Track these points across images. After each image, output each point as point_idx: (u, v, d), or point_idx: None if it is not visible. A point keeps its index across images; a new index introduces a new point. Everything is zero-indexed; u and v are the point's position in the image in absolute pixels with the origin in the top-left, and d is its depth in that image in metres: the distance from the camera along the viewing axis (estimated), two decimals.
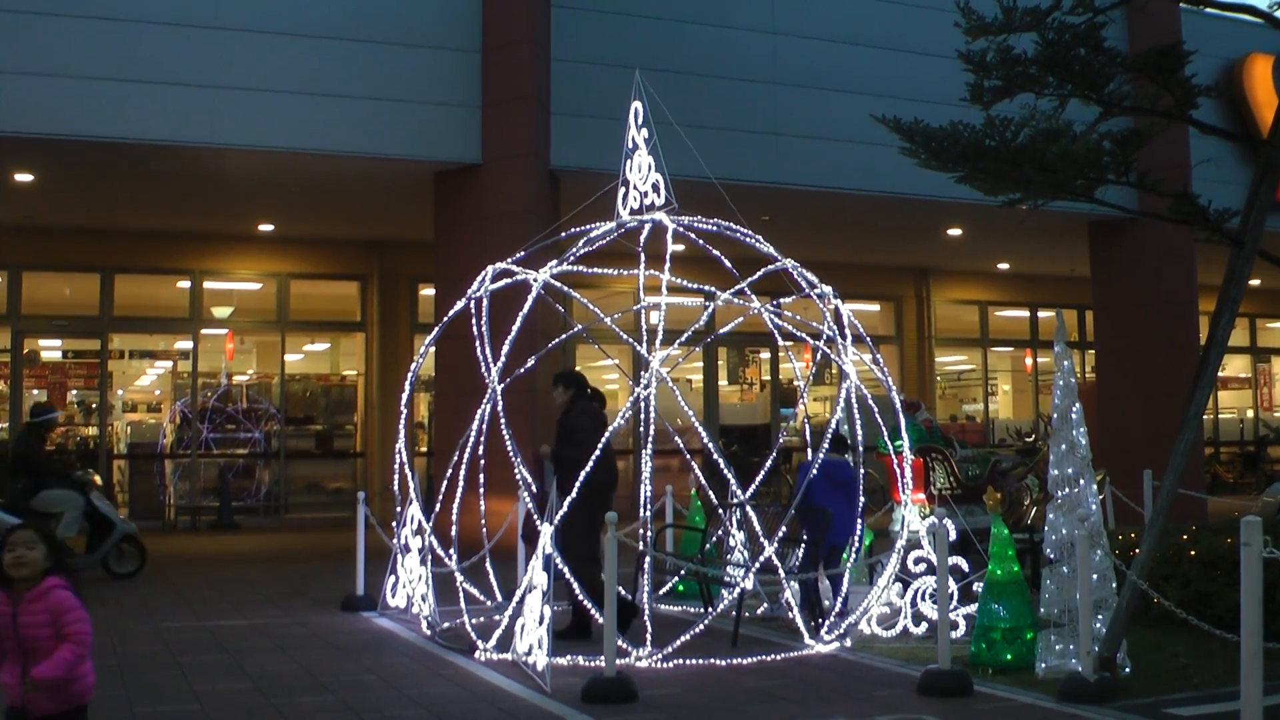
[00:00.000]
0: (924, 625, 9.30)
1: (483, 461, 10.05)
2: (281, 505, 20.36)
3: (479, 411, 9.90)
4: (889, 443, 10.14)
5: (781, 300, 10.54)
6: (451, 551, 9.80)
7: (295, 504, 20.47)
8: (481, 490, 10.36)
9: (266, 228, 19.38)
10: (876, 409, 10.25)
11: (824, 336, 10.10)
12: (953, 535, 9.45)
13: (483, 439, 9.99)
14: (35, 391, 20.29)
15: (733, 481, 10.15)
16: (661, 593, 11.25)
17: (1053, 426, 8.11)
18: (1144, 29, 17.14)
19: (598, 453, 9.07)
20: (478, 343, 9.95)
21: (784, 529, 10.35)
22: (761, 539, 9.68)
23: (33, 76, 13.57)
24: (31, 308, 19.24)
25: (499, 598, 10.48)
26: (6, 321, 19.04)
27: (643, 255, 9.82)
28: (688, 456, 11.99)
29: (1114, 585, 7.74)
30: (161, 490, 20.10)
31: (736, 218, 9.87)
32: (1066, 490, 7.89)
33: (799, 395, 12.56)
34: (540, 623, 7.87)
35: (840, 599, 9.88)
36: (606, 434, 9.35)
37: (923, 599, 9.36)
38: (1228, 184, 14.54)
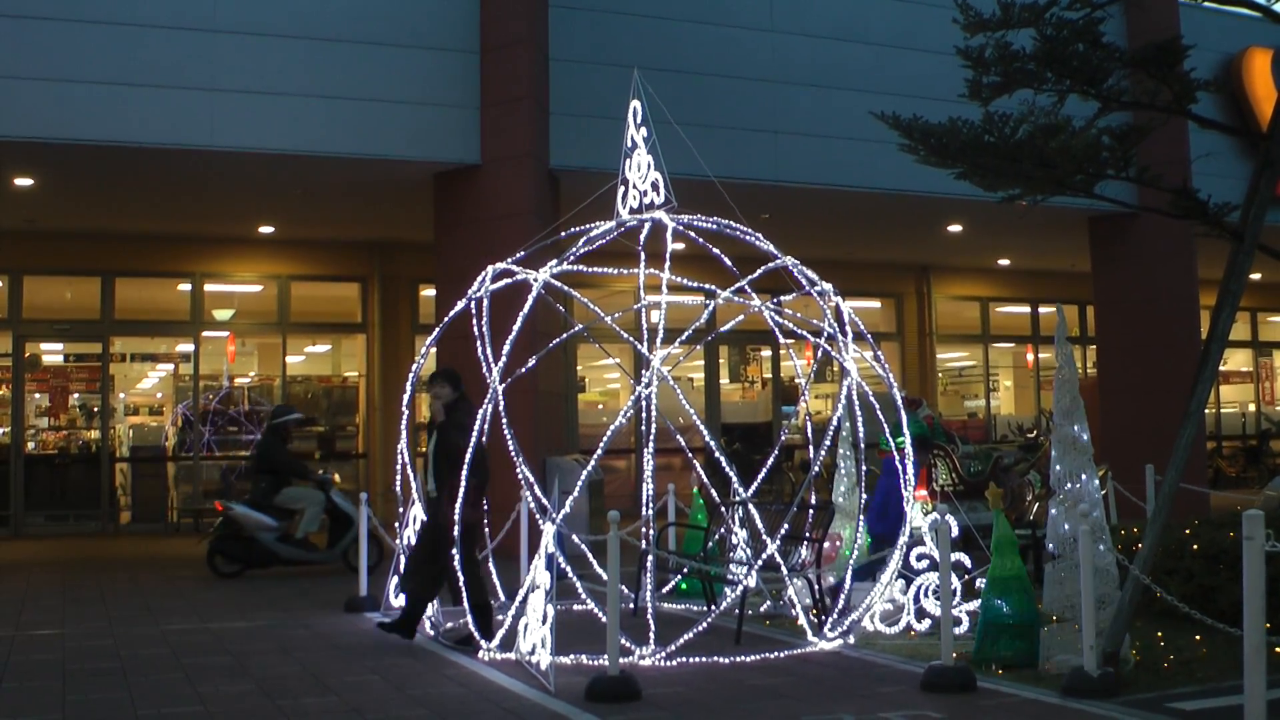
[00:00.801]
0: (927, 621, 9.30)
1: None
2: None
3: (480, 411, 9.90)
4: (890, 439, 10.14)
5: (782, 298, 10.54)
6: (454, 551, 9.78)
7: None
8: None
9: (267, 230, 19.39)
10: (878, 406, 10.25)
11: (825, 334, 10.10)
12: (955, 531, 9.46)
13: (484, 439, 9.99)
14: (37, 395, 20.34)
15: (735, 479, 10.15)
16: (664, 591, 11.26)
17: (1054, 422, 8.11)
18: (1142, 23, 17.13)
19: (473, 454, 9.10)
20: (479, 343, 9.96)
21: (786, 526, 10.35)
22: (764, 536, 9.70)
23: (32, 81, 13.57)
24: (33, 311, 19.24)
25: (502, 597, 10.48)
26: (8, 325, 19.05)
27: (643, 254, 9.83)
28: (689, 455, 11.98)
29: (1117, 580, 7.74)
30: (164, 493, 20.10)
31: (736, 216, 9.87)
32: (1069, 486, 7.89)
33: (800, 393, 12.54)
34: (543, 622, 7.87)
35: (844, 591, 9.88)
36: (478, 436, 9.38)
37: (926, 595, 9.36)
38: (1227, 178, 14.55)
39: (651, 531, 9.68)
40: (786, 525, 10.46)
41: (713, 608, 9.86)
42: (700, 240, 9.94)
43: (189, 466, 19.86)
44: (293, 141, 14.69)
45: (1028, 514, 12.48)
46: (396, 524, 10.48)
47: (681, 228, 9.68)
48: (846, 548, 10.25)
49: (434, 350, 11.17)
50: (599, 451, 9.64)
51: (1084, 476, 7.87)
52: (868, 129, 10.46)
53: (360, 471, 20.74)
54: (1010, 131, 8.14)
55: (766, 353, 23.90)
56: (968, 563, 9.44)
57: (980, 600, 8.33)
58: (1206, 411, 13.54)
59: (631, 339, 10.15)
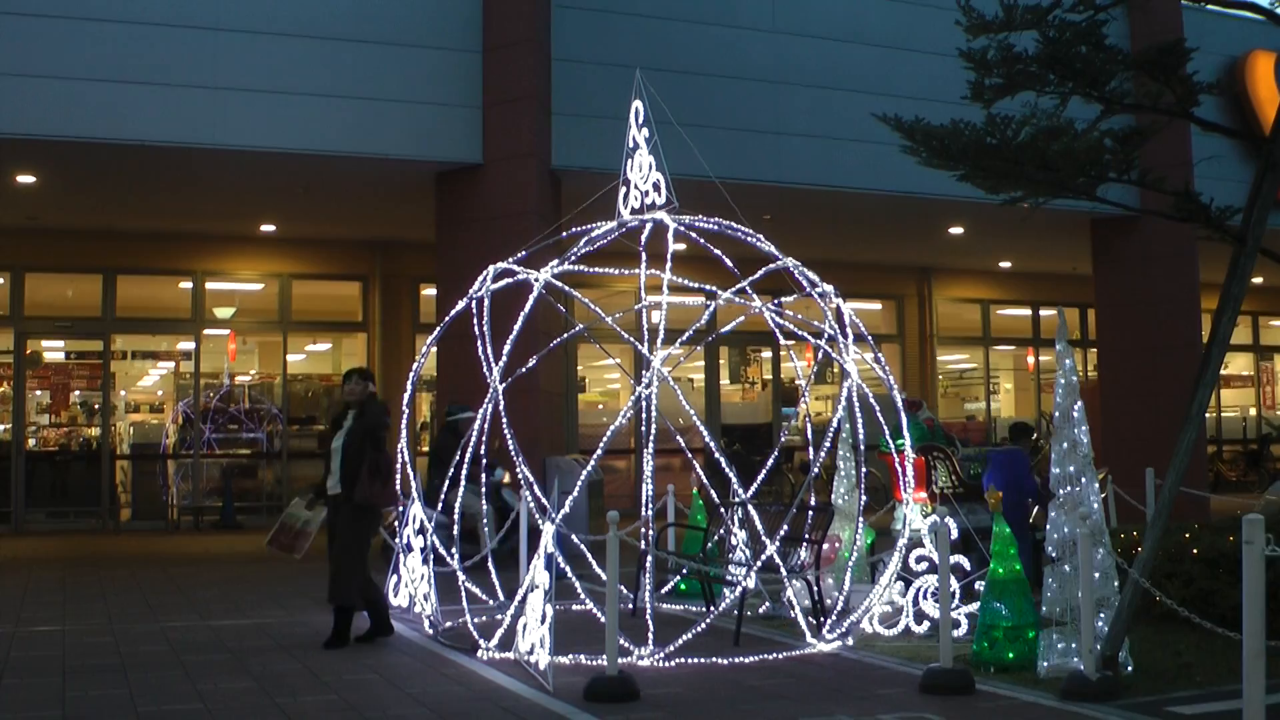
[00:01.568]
0: (926, 624, 9.30)
1: (484, 461, 10.05)
2: (284, 505, 20.30)
3: (481, 411, 9.91)
4: (890, 441, 10.14)
5: (783, 299, 10.54)
6: (453, 551, 9.80)
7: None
8: (484, 489, 10.36)
9: (268, 228, 19.40)
10: (878, 408, 10.25)
11: (825, 335, 10.10)
12: (954, 534, 9.46)
13: (484, 438, 10.00)
14: (38, 392, 20.35)
15: (734, 480, 10.15)
16: (664, 592, 11.26)
17: (1054, 425, 8.11)
18: (1145, 26, 17.13)
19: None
20: (479, 342, 9.96)
21: (785, 527, 10.35)
22: (763, 538, 9.70)
23: (34, 78, 13.58)
24: (34, 309, 19.27)
25: (501, 597, 10.48)
26: (9, 323, 19.07)
27: (644, 254, 9.83)
28: (689, 455, 11.98)
29: (1116, 584, 7.73)
30: (164, 490, 20.12)
31: (737, 216, 9.87)
32: (1068, 489, 7.89)
33: (801, 394, 12.55)
34: (542, 622, 7.87)
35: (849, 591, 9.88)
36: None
37: (925, 597, 9.36)
38: (1230, 181, 14.53)
39: (651, 532, 9.68)
40: (786, 527, 10.46)
41: (711, 609, 9.86)
42: (701, 241, 9.94)
43: (189, 464, 19.86)
44: (295, 140, 14.69)
45: (1027, 517, 12.47)
46: (396, 522, 10.49)
47: (683, 228, 9.69)
48: (846, 550, 10.25)
49: (435, 349, 11.18)
50: (599, 452, 9.64)
51: (1084, 480, 7.87)
52: (870, 130, 10.47)
53: None
54: (1012, 134, 8.15)
55: (767, 354, 23.91)
56: (967, 565, 9.44)
57: (979, 603, 8.33)
58: (1207, 415, 13.55)
59: (632, 339, 10.16)
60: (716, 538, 11.15)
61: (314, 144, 14.79)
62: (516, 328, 9.60)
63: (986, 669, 7.94)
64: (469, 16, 15.51)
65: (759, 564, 9.51)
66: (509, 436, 9.54)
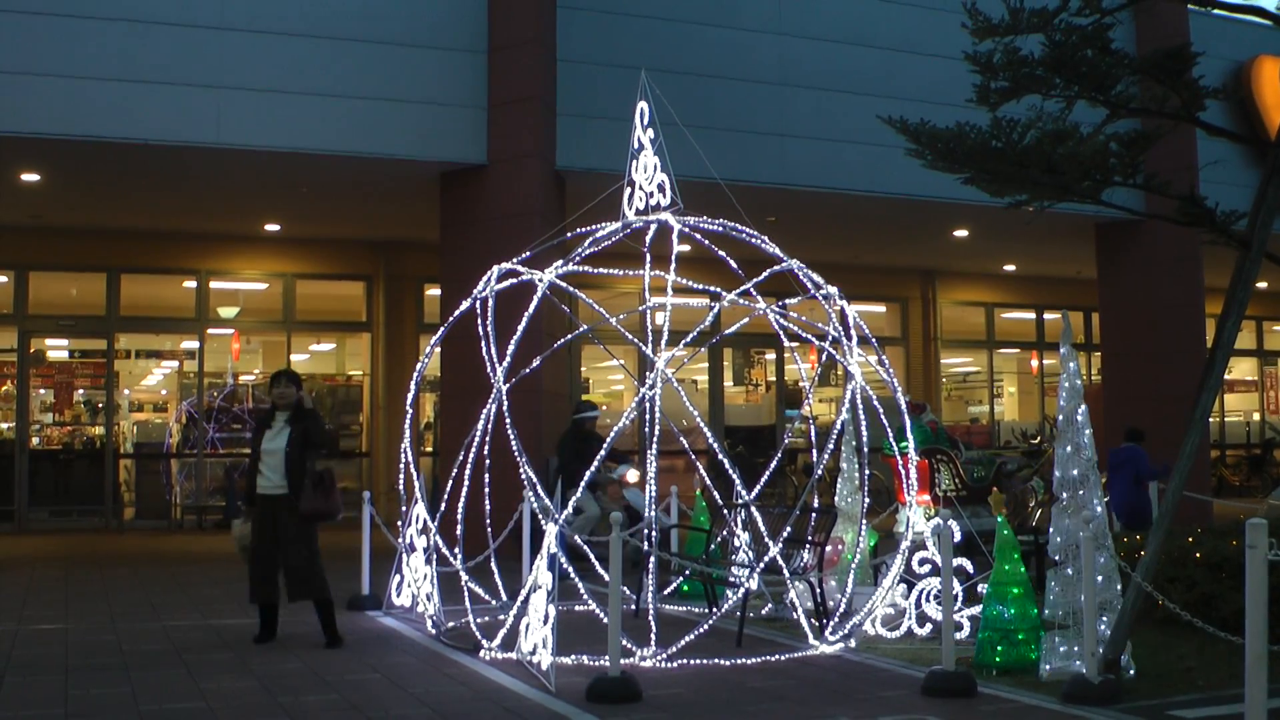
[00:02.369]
0: (928, 626, 9.30)
1: (488, 461, 10.06)
2: None
3: (484, 411, 9.92)
4: (894, 444, 10.14)
5: (787, 301, 10.54)
6: (456, 551, 9.80)
7: None
8: (486, 490, 10.36)
9: (272, 228, 19.41)
10: (882, 410, 10.25)
11: (829, 337, 10.11)
12: (957, 537, 9.47)
13: (488, 439, 10.00)
14: (41, 391, 20.36)
15: (738, 482, 10.15)
16: (666, 593, 11.27)
17: (1058, 429, 8.11)
18: (1151, 30, 17.14)
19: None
20: (483, 343, 9.97)
21: (789, 529, 10.35)
22: (766, 539, 9.70)
23: (38, 77, 13.60)
24: (38, 307, 19.29)
25: (504, 597, 10.48)
26: (13, 321, 19.10)
27: (648, 256, 9.83)
28: (693, 457, 11.98)
29: (1119, 587, 7.73)
30: (168, 489, 20.13)
31: (742, 218, 9.87)
32: (1071, 492, 7.88)
33: (804, 396, 12.54)
34: (545, 622, 7.87)
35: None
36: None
37: (927, 600, 9.36)
38: (1235, 186, 14.54)
39: (654, 533, 9.68)
40: (789, 528, 10.45)
41: (714, 610, 9.86)
42: (706, 242, 9.94)
43: (193, 463, 19.88)
44: (299, 140, 14.70)
45: (1030, 520, 12.49)
46: (399, 522, 10.49)
47: (687, 230, 9.69)
48: (848, 552, 10.25)
49: (439, 350, 11.18)
50: (602, 452, 9.64)
51: (1088, 483, 7.86)
52: (875, 133, 10.46)
53: (364, 470, 20.76)
54: (1018, 137, 8.15)
55: (771, 356, 23.89)
56: (970, 568, 9.44)
57: (982, 606, 8.33)
58: (1211, 420, 13.51)
59: (636, 340, 10.15)
60: (719, 539, 11.15)
61: (318, 144, 14.80)
62: (520, 328, 9.60)
63: (988, 672, 7.94)
64: (474, 17, 15.52)
65: (762, 566, 9.51)
66: (513, 437, 9.53)
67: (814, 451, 11.03)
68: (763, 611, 10.51)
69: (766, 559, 9.49)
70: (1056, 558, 7.86)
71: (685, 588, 11.51)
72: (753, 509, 10.24)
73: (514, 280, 10.06)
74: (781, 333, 10.71)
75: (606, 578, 8.52)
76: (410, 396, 10.46)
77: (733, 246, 10.16)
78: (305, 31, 14.70)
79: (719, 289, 10.13)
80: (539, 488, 9.69)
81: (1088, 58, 8.15)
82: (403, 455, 10.27)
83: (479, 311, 10.04)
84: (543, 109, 15.33)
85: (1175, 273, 19.49)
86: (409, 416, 10.40)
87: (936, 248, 22.26)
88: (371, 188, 16.93)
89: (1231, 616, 7.74)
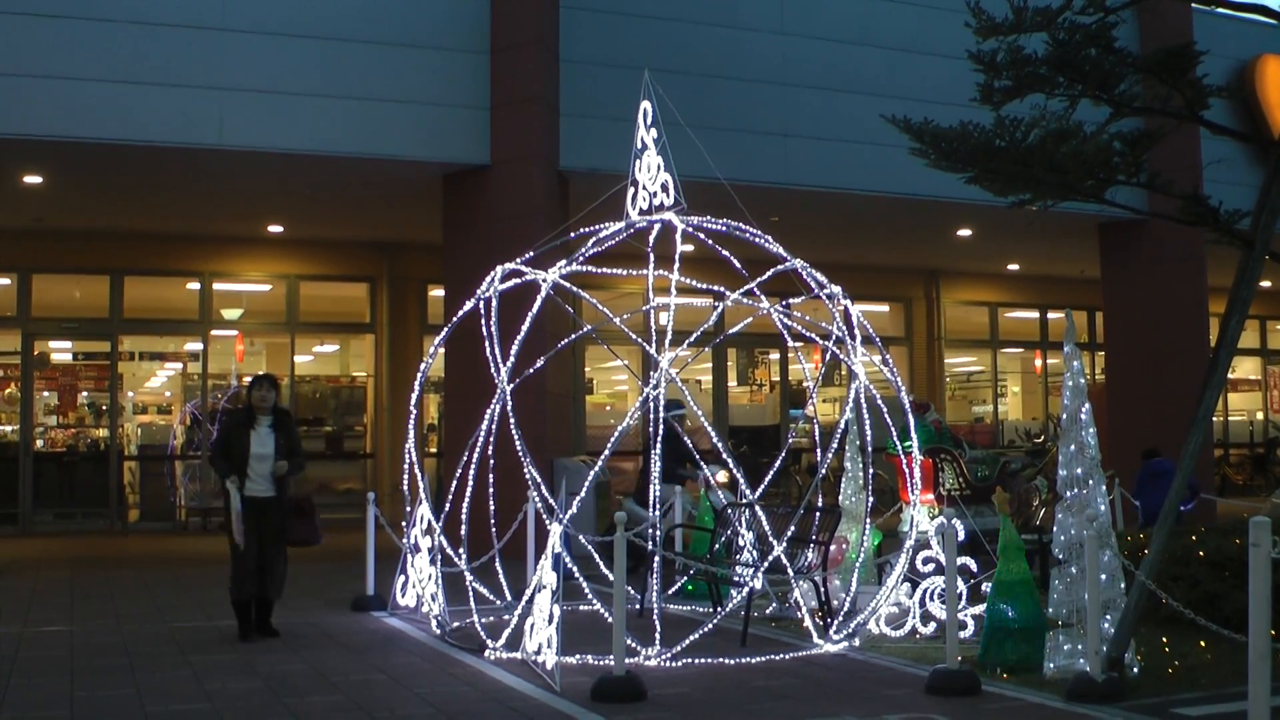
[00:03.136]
0: (932, 625, 9.30)
1: (492, 462, 10.07)
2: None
3: (488, 412, 9.92)
4: (898, 443, 10.14)
5: (791, 301, 10.55)
6: (461, 551, 9.81)
7: None
8: (491, 490, 10.37)
9: (276, 229, 19.42)
10: (886, 410, 10.25)
11: (833, 337, 10.11)
12: (961, 536, 9.47)
13: (492, 439, 10.00)
14: (45, 393, 20.37)
15: (742, 482, 10.15)
16: (671, 592, 11.27)
17: (1062, 428, 8.11)
18: (1155, 29, 17.12)
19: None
20: (487, 343, 9.98)
21: (793, 528, 10.35)
22: (770, 539, 9.70)
23: (41, 79, 13.61)
24: (41, 310, 19.30)
25: (508, 597, 10.49)
26: (16, 324, 19.11)
27: (652, 256, 9.84)
28: (697, 457, 11.98)
29: (1122, 586, 7.73)
30: (172, 491, 20.14)
31: (746, 218, 9.87)
32: (1075, 491, 7.89)
33: (808, 396, 12.54)
34: (549, 622, 7.88)
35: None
36: None
37: (931, 599, 9.36)
38: (1239, 185, 14.49)
39: (658, 533, 9.69)
40: (793, 528, 10.45)
41: (718, 609, 9.87)
42: (709, 242, 9.95)
43: (197, 465, 19.88)
44: (302, 141, 14.72)
45: (1034, 519, 12.48)
46: (404, 523, 10.50)
47: (691, 229, 9.69)
48: (853, 551, 10.25)
49: (442, 350, 11.19)
50: (606, 452, 9.66)
51: (1091, 482, 7.87)
52: (878, 132, 10.46)
53: (368, 471, 20.77)
54: (1021, 136, 8.15)
55: (775, 355, 23.90)
56: (974, 567, 9.44)
57: (986, 604, 8.33)
58: (1214, 419, 13.49)
59: (640, 340, 10.16)
60: (724, 539, 11.15)
61: (321, 145, 14.81)
62: (524, 329, 9.61)
63: (992, 670, 7.94)
64: (477, 18, 15.53)
65: (766, 565, 9.52)
66: (517, 437, 9.55)
67: (818, 451, 11.03)
68: (767, 611, 10.52)
69: (771, 558, 9.50)
70: (1060, 556, 7.86)
71: (690, 587, 11.52)
72: (757, 508, 10.24)
73: (517, 281, 10.07)
74: (785, 332, 10.70)
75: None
76: (414, 397, 10.47)
77: (736, 246, 10.16)
78: (308, 33, 14.71)
79: (722, 289, 10.13)
80: (543, 487, 9.69)
81: (1091, 57, 8.15)
82: (407, 456, 10.27)
83: (482, 312, 10.04)
84: (545, 109, 15.34)
85: (1179, 272, 19.48)
86: (413, 417, 10.41)
87: (940, 247, 22.26)
88: (374, 189, 16.95)
89: (1235, 615, 7.73)
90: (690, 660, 8.42)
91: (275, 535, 9.68)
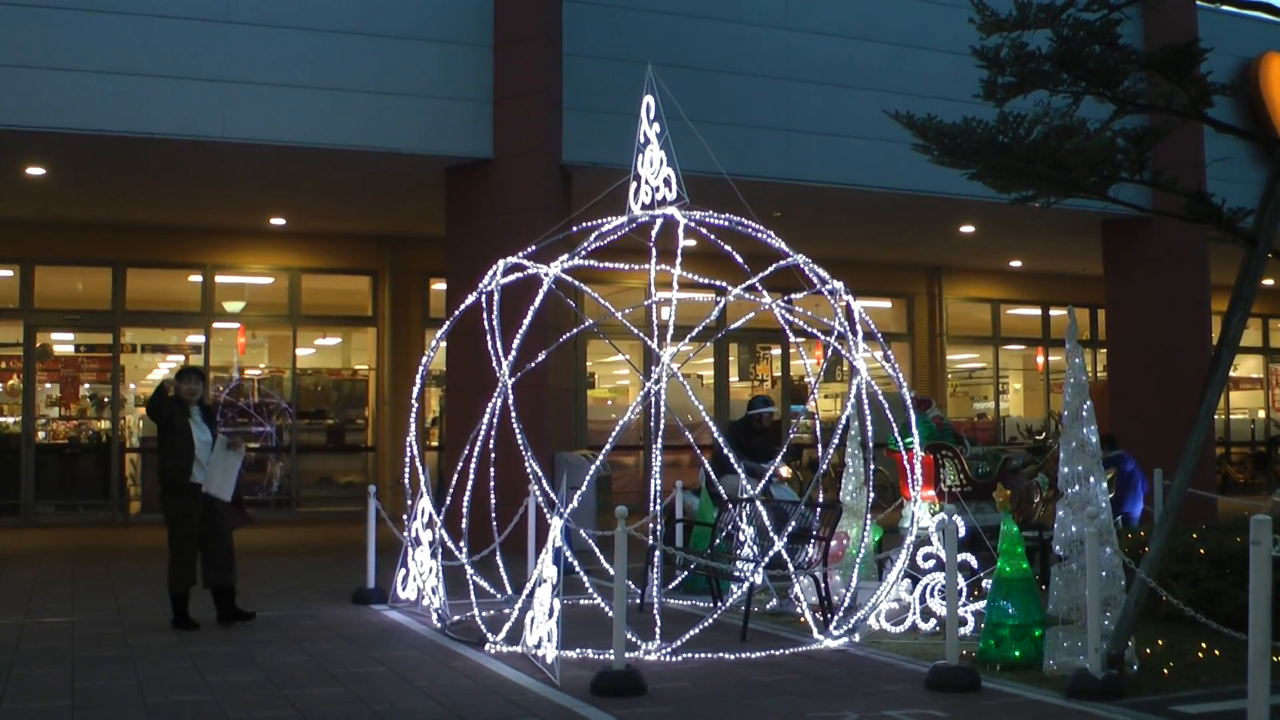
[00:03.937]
0: (932, 621, 9.30)
1: (493, 455, 10.07)
2: (293, 499, 20.41)
3: (490, 406, 9.93)
4: (899, 439, 10.14)
5: (793, 296, 10.54)
6: (462, 545, 9.82)
7: (307, 498, 20.53)
8: (492, 484, 10.38)
9: (278, 222, 19.43)
10: (887, 406, 10.25)
11: (835, 333, 10.10)
12: (962, 532, 9.46)
13: (493, 433, 10.01)
14: (47, 385, 20.38)
15: (742, 477, 10.15)
16: (671, 587, 11.27)
17: (1063, 424, 8.10)
18: (1159, 26, 17.09)
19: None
20: (489, 337, 9.98)
21: (793, 524, 10.35)
22: (771, 534, 9.70)
23: (44, 71, 13.61)
24: (44, 302, 19.32)
25: (509, 591, 10.49)
26: (19, 315, 19.13)
27: (654, 250, 9.83)
28: (698, 452, 11.99)
29: (1123, 583, 7.73)
30: None
31: (748, 213, 9.86)
32: (1076, 488, 7.89)
33: (810, 392, 12.54)
34: (550, 616, 7.88)
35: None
36: None
37: (931, 595, 9.36)
38: (1242, 183, 14.52)
39: (659, 527, 9.69)
40: (793, 523, 10.45)
41: (719, 604, 9.88)
42: (712, 237, 9.95)
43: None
44: (305, 134, 14.72)
45: (1035, 516, 12.48)
46: (405, 516, 10.51)
47: (693, 224, 9.69)
48: (853, 547, 10.25)
49: (444, 344, 11.18)
50: (607, 447, 9.65)
51: (1092, 479, 7.87)
52: (881, 128, 10.46)
53: (369, 465, 20.79)
54: (1025, 133, 8.13)
55: (776, 351, 23.90)
56: (974, 563, 9.44)
57: (986, 601, 8.33)
58: (1216, 417, 13.51)
59: (642, 335, 10.16)
60: (724, 534, 11.15)
61: (324, 138, 14.81)
62: (526, 323, 9.61)
63: (992, 667, 7.94)
64: (480, 11, 15.52)
65: (766, 560, 9.52)
66: (519, 431, 9.55)
67: (819, 447, 11.02)
68: (767, 606, 10.52)
69: (771, 553, 9.50)
70: (1061, 553, 7.86)
71: (691, 580, 11.52)
72: (758, 504, 10.23)
73: (519, 275, 10.06)
74: (787, 328, 10.70)
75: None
76: (416, 390, 10.47)
77: (738, 241, 10.16)
78: (311, 26, 14.71)
79: (724, 284, 10.13)
80: (544, 481, 9.70)
81: (1095, 53, 8.14)
82: (408, 449, 10.28)
83: (484, 306, 10.04)
84: (548, 103, 15.33)
85: (1181, 270, 19.46)
86: (414, 411, 10.41)
87: (943, 243, 22.25)
88: (377, 182, 16.95)
89: (1235, 613, 7.73)
90: (690, 655, 8.43)
91: (221, 520, 10.01)
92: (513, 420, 9.47)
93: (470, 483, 10.01)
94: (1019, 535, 8.30)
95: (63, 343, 20.87)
